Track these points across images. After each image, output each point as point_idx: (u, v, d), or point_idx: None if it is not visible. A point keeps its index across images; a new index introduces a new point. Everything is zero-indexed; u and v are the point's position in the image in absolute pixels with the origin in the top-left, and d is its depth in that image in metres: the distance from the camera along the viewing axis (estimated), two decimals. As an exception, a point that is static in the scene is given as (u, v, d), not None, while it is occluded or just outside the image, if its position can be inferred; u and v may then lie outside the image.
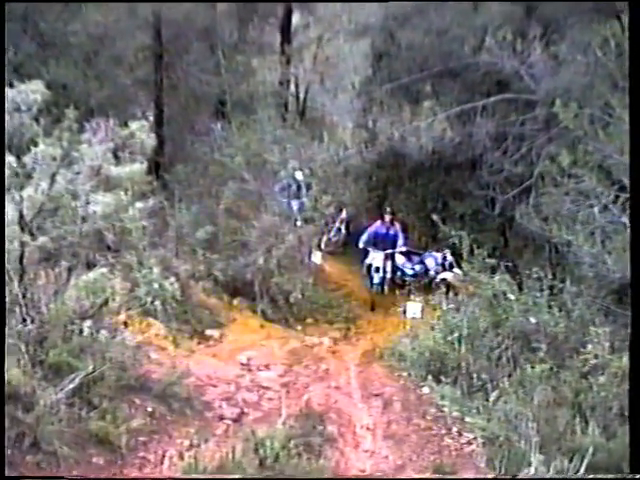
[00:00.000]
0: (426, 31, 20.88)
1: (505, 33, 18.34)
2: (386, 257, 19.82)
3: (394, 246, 19.95)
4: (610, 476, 9.87)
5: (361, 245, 19.98)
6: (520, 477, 10.01)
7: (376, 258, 19.77)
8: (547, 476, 9.88)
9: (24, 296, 10.79)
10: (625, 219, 13.60)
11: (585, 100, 15.86)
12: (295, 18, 26.37)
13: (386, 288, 19.82)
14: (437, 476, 10.84)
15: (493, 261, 14.85)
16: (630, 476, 9.36)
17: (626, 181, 13.41)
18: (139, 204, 12.87)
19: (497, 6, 19.92)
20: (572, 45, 17.95)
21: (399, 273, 20.24)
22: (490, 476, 10.28)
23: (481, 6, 20.30)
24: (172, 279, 12.73)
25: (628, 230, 13.04)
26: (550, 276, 14.37)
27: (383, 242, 19.95)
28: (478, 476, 10.50)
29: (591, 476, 9.90)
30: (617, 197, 14.12)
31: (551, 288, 14.21)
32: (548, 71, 18.32)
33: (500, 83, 19.85)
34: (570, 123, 14.65)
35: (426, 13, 21.07)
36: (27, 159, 12.16)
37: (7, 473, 9.02)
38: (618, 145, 13.82)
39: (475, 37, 19.50)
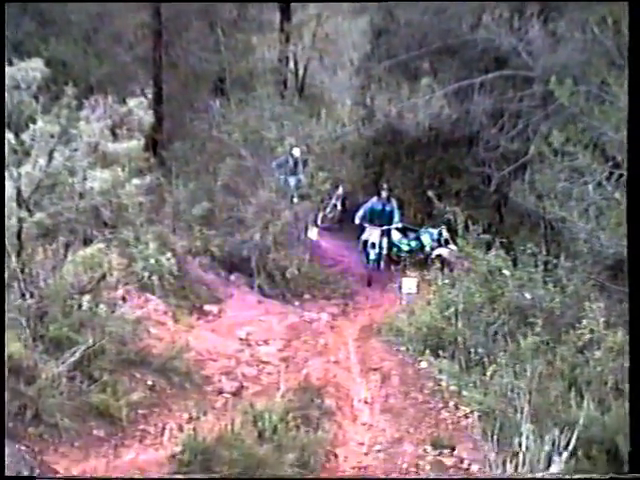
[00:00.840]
0: (424, 8, 20.89)
1: (502, 10, 18.37)
2: (382, 233, 19.85)
3: (390, 222, 19.98)
4: (611, 476, 9.96)
5: (357, 221, 20.01)
6: (521, 477, 10.11)
7: (372, 234, 19.81)
8: (547, 474, 9.98)
9: (22, 271, 10.87)
10: (618, 195, 13.68)
11: (583, 77, 15.91)
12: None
13: (382, 264, 19.90)
14: (443, 476, 10.96)
15: (488, 237, 14.94)
16: (630, 476, 9.45)
17: (620, 158, 13.49)
18: (136, 180, 12.90)
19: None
20: (570, 22, 17.96)
21: (395, 249, 20.33)
22: (496, 476, 10.36)
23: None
24: (169, 254, 12.82)
25: (621, 206, 13.16)
26: (545, 252, 14.46)
27: (379, 218, 19.98)
28: (483, 476, 10.59)
29: (592, 475, 9.98)
30: (611, 174, 14.18)
31: (546, 264, 14.30)
32: (546, 48, 18.32)
33: (498, 60, 19.83)
34: (566, 100, 14.70)
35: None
36: (25, 136, 12.21)
37: (7, 472, 9.12)
38: (613, 122, 13.88)
39: (473, 14, 19.50)
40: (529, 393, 10.74)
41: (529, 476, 10.03)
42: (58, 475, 9.50)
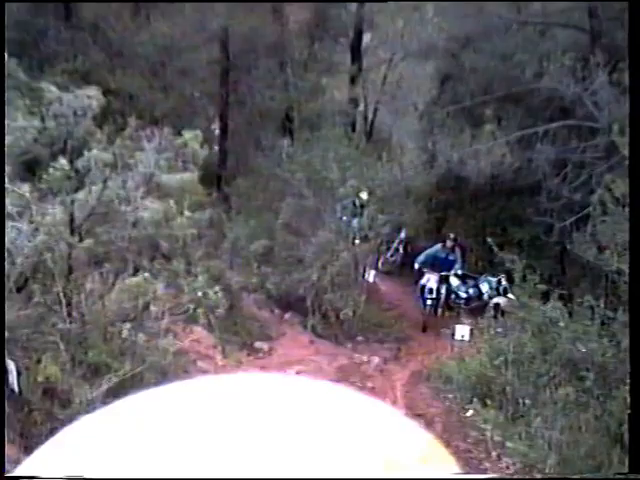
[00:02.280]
0: (491, 55, 20.85)
1: (567, 59, 18.22)
2: (440, 279, 19.69)
3: (450, 269, 19.83)
4: (610, 476, 9.73)
5: (417, 265, 19.86)
6: (520, 477, 9.91)
7: (430, 280, 19.63)
8: (547, 475, 9.77)
9: (65, 295, 10.93)
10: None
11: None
12: (366, 38, 26.39)
13: (439, 310, 19.71)
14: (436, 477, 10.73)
15: (545, 287, 14.67)
16: (632, 476, 9.22)
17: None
18: (188, 213, 12.91)
19: (563, 33, 19.81)
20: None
21: (453, 296, 20.13)
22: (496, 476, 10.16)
23: (547, 32, 20.20)
24: (216, 288, 12.76)
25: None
26: (603, 305, 14.16)
27: (440, 265, 19.81)
28: (481, 476, 10.38)
29: (590, 476, 9.76)
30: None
31: (603, 317, 14.00)
32: (611, 99, 18.12)
33: (563, 109, 19.70)
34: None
35: (490, 36, 21.04)
36: (80, 163, 12.31)
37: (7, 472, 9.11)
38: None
39: (539, 63, 19.40)
40: (558, 446, 10.51)
41: (528, 476, 9.83)
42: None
